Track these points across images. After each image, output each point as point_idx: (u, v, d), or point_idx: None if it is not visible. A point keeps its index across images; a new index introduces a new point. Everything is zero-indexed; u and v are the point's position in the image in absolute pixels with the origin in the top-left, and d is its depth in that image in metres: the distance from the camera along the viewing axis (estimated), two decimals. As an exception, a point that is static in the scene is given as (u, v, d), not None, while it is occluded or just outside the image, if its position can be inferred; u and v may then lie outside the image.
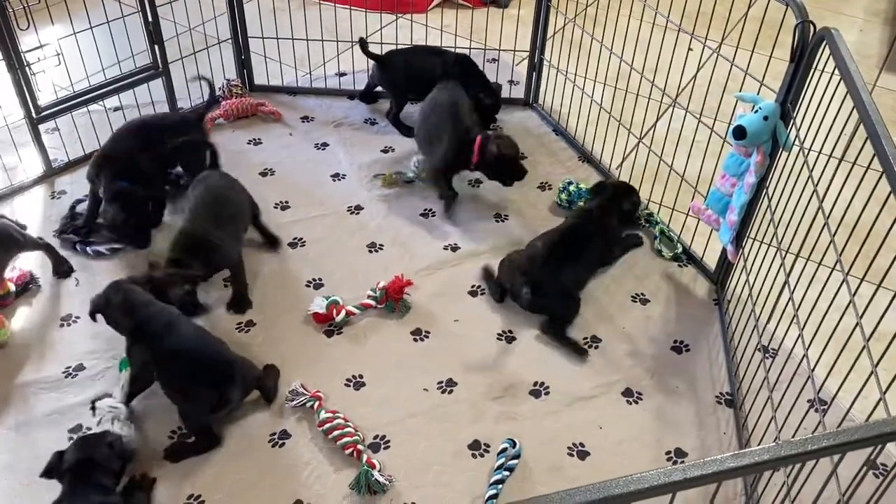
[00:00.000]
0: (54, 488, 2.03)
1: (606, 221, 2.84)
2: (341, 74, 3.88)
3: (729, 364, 2.54)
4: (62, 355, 2.53)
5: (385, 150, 3.47)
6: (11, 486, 2.18)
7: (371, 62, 3.55)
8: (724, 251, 2.71)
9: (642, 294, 2.81)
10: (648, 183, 3.10)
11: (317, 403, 2.36)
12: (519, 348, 2.61)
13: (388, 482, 2.18)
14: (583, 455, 2.30)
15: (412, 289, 2.77)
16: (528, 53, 3.61)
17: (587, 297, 2.78)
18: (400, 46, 3.56)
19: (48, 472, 2.04)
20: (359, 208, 3.16)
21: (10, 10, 2.84)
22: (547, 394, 2.46)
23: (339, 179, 3.31)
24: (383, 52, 3.53)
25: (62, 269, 2.80)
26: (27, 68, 2.96)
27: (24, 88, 2.99)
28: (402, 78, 3.48)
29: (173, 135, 2.98)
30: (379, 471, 2.19)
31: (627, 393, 2.47)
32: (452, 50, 3.50)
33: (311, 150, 3.46)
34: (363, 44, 3.46)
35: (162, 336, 2.23)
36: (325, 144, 3.49)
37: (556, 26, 3.51)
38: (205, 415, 2.24)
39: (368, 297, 2.70)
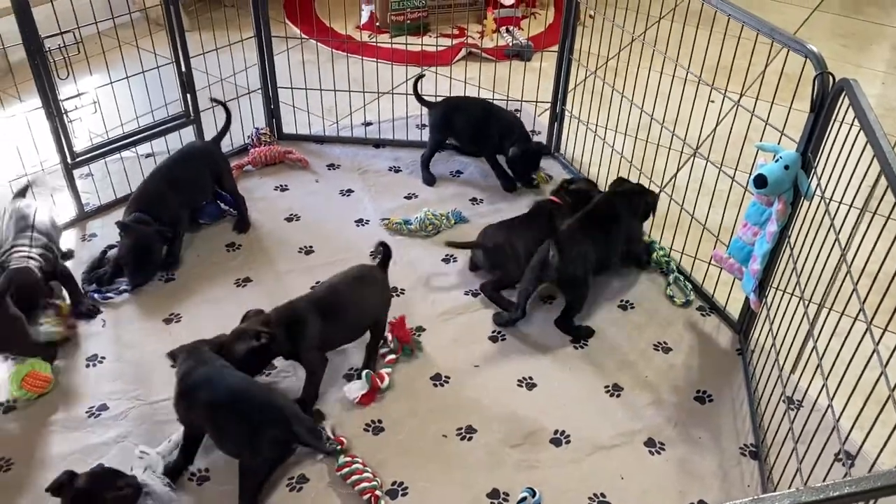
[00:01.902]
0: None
1: (630, 209, 2.97)
2: (367, 124, 3.97)
3: (753, 415, 2.50)
4: (86, 395, 2.56)
5: (408, 197, 3.52)
6: (31, 525, 2.20)
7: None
8: (746, 300, 2.70)
9: (665, 343, 2.79)
10: (670, 231, 3.10)
11: (338, 447, 2.36)
12: (540, 395, 2.59)
13: None
14: (603, 505, 2.27)
15: (432, 333, 2.79)
16: (549, 104, 3.67)
17: (608, 345, 2.77)
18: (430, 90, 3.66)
19: (56, 489, 2.05)
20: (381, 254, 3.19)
21: (52, 61, 2.96)
22: (568, 442, 2.44)
23: (363, 225, 3.36)
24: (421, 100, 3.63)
25: (81, 309, 2.82)
26: (65, 116, 3.07)
27: (61, 135, 3.09)
28: (447, 122, 3.57)
29: (198, 163, 3.15)
30: None
31: (650, 443, 2.44)
32: (505, 109, 3.60)
33: (336, 197, 3.52)
34: (416, 85, 3.59)
35: (201, 389, 2.23)
36: (349, 191, 3.56)
37: (577, 78, 3.57)
38: (262, 467, 2.22)
39: (387, 353, 2.69)
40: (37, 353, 2.58)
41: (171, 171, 3.13)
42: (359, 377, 2.55)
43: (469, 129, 3.57)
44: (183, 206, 3.13)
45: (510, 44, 4.62)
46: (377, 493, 2.22)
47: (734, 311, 2.83)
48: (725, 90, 2.71)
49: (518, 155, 3.43)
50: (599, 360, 2.72)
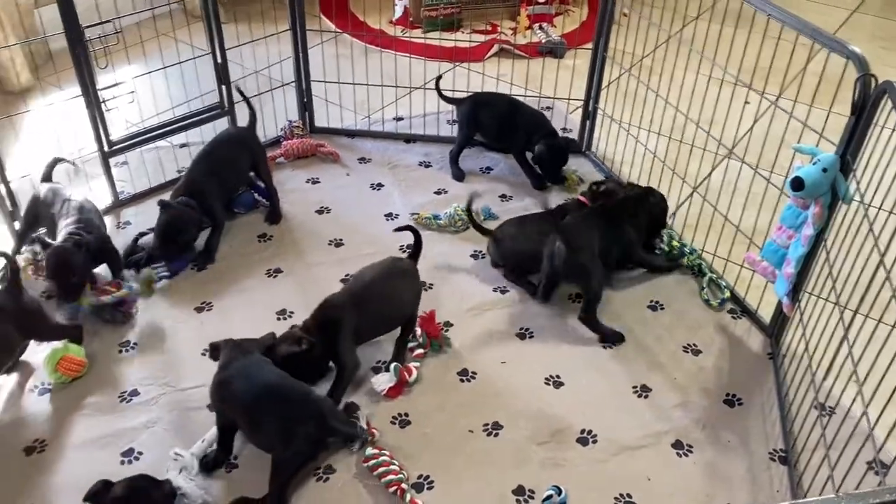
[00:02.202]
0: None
1: (641, 210, 3.00)
2: (398, 119, 3.98)
3: (783, 420, 2.47)
4: (118, 380, 2.60)
5: (438, 192, 3.52)
6: (64, 505, 2.24)
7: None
8: (779, 304, 2.66)
9: (694, 345, 2.76)
10: (702, 233, 3.07)
11: (368, 438, 2.37)
12: (567, 394, 2.59)
13: None
14: (630, 506, 2.25)
15: (460, 328, 2.79)
16: (582, 102, 3.65)
17: (637, 346, 2.76)
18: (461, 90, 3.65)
19: (92, 497, 2.06)
20: (410, 248, 3.20)
21: (92, 50, 3.00)
22: (595, 442, 2.43)
23: (393, 219, 3.37)
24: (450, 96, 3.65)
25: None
26: (103, 104, 3.12)
27: (99, 123, 3.14)
28: (474, 117, 3.57)
29: (230, 148, 3.18)
30: None
31: (677, 445, 2.42)
32: (531, 106, 3.60)
33: (366, 191, 3.54)
34: (437, 84, 3.60)
35: (238, 380, 2.24)
36: (380, 185, 3.57)
37: (611, 76, 3.55)
38: (296, 461, 2.22)
39: (415, 347, 2.69)
40: (61, 336, 2.62)
41: (212, 156, 3.17)
42: (387, 370, 2.56)
43: (495, 124, 3.57)
44: (223, 191, 3.17)
45: (543, 41, 4.60)
46: (403, 486, 2.23)
47: (766, 314, 2.80)
48: (763, 91, 2.68)
49: (544, 151, 3.42)
50: (628, 360, 2.71)
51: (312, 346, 2.42)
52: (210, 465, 2.31)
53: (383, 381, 2.53)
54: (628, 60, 3.53)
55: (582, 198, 3.20)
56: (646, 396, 2.58)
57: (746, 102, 2.85)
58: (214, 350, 2.38)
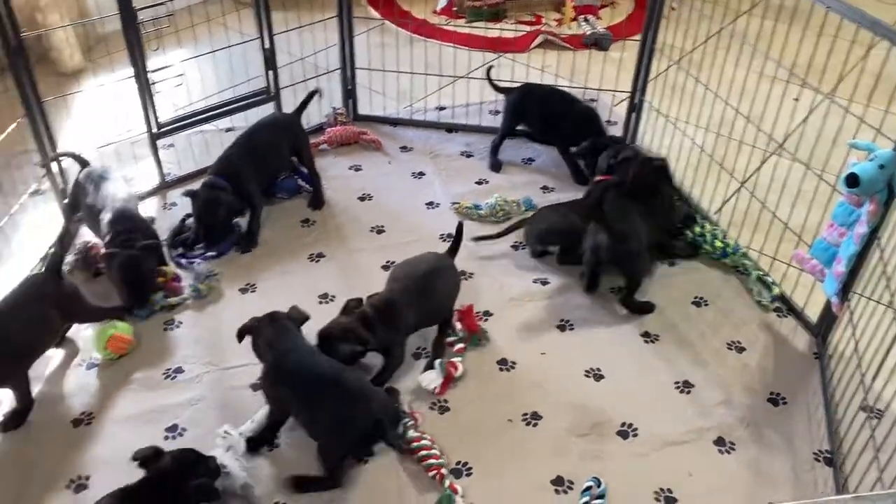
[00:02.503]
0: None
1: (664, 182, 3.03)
2: (441, 108, 3.97)
3: (829, 420, 2.43)
4: (164, 358, 2.65)
5: (479, 182, 3.52)
6: (109, 477, 2.27)
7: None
8: (827, 303, 2.61)
9: (738, 342, 2.72)
10: (749, 230, 3.02)
11: (411, 423, 2.38)
12: (607, 387, 2.57)
13: None
14: (670, 501, 2.23)
15: (500, 318, 2.79)
16: (627, 94, 3.62)
17: (680, 341, 2.73)
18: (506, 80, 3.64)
19: (141, 460, 2.09)
20: (451, 236, 3.18)
21: (144, 33, 3.04)
22: (635, 435, 2.41)
23: (433, 208, 3.37)
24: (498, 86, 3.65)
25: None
26: (152, 87, 3.16)
27: (149, 105, 3.18)
28: (520, 108, 3.56)
29: (273, 133, 3.21)
30: (461, 496, 2.18)
31: (720, 442, 2.39)
32: (582, 101, 3.58)
33: (408, 179, 3.54)
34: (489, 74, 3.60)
35: (296, 372, 2.25)
36: (421, 174, 3.57)
37: (658, 69, 3.50)
38: (344, 452, 2.24)
39: (455, 342, 2.67)
40: (102, 318, 2.67)
41: (252, 139, 3.20)
42: (431, 367, 2.55)
43: (541, 117, 3.55)
44: (261, 175, 3.19)
45: (588, 32, 4.56)
46: (443, 471, 2.24)
47: (813, 314, 2.75)
48: (818, 87, 2.62)
49: (588, 148, 3.38)
50: (670, 355, 2.68)
51: (368, 347, 2.45)
52: (256, 444, 2.33)
53: (431, 379, 2.52)
54: (675, 54, 3.47)
55: (602, 177, 3.18)
56: (688, 392, 2.55)
57: (795, 99, 2.79)
58: (246, 332, 2.36)
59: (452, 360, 2.57)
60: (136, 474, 2.13)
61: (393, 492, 2.24)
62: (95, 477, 2.27)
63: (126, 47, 3.02)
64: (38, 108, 2.89)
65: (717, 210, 3.23)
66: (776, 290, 2.85)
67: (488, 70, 3.60)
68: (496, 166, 3.59)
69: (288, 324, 2.35)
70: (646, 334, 2.76)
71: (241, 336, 2.37)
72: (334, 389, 2.22)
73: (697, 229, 3.06)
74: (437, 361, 2.55)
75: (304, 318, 2.42)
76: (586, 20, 4.72)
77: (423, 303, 2.57)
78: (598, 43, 4.44)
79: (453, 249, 2.79)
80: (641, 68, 3.47)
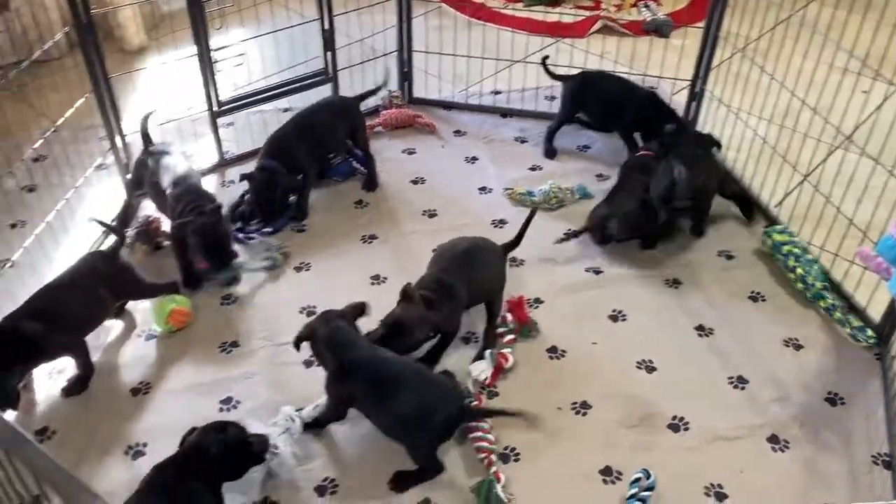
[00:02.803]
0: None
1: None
2: (496, 93, 3.95)
3: (889, 423, 2.36)
4: (220, 332, 2.70)
5: (533, 169, 3.50)
6: (165, 445, 2.33)
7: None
8: (891, 303, 2.54)
9: (796, 339, 2.66)
10: (811, 224, 2.94)
11: (474, 403, 2.39)
12: (659, 379, 2.54)
13: (507, 500, 2.15)
14: (720, 497, 2.20)
15: (550, 306, 2.77)
16: (688, 83, 3.54)
17: (735, 336, 2.68)
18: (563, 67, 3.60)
19: (181, 442, 2.11)
20: (503, 222, 3.20)
21: (208, 11, 3.09)
22: (686, 429, 2.38)
23: (486, 193, 3.36)
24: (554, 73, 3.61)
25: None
26: (214, 65, 3.21)
27: (210, 84, 3.24)
28: (579, 96, 3.52)
29: (332, 115, 3.23)
30: (503, 486, 2.18)
31: (773, 439, 2.35)
32: (641, 87, 3.53)
33: (461, 163, 3.54)
34: (545, 62, 3.57)
35: (370, 372, 2.20)
36: (475, 158, 3.56)
37: (721, 57, 3.42)
38: (435, 444, 2.22)
39: (505, 332, 2.65)
40: (156, 294, 2.72)
41: (307, 119, 3.24)
42: (481, 357, 2.54)
43: (602, 105, 3.50)
44: (313, 155, 3.22)
45: (648, 19, 4.48)
46: (493, 457, 2.24)
47: (876, 313, 2.67)
48: (891, 80, 2.53)
49: (673, 133, 3.27)
50: (725, 350, 2.63)
51: (436, 328, 2.44)
52: (314, 425, 2.35)
53: (482, 369, 2.50)
54: (740, 42, 3.38)
55: (646, 151, 3.14)
56: (742, 388, 2.51)
57: (865, 92, 2.69)
58: (303, 339, 2.29)
59: (503, 350, 2.56)
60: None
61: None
62: (152, 445, 2.33)
63: (190, 25, 3.07)
64: (104, 84, 2.96)
65: (777, 203, 3.16)
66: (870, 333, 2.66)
67: (544, 58, 3.57)
68: (551, 153, 3.57)
69: (342, 323, 2.27)
70: (700, 328, 2.72)
71: (297, 344, 2.29)
72: (412, 382, 2.19)
73: (799, 270, 2.82)
74: (488, 352, 2.54)
75: (360, 311, 2.35)
76: (647, 6, 4.63)
77: (469, 276, 2.56)
78: (658, 29, 4.35)
79: (512, 245, 2.75)
80: (704, 56, 3.39)
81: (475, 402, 2.39)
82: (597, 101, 3.50)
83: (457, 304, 2.52)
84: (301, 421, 2.32)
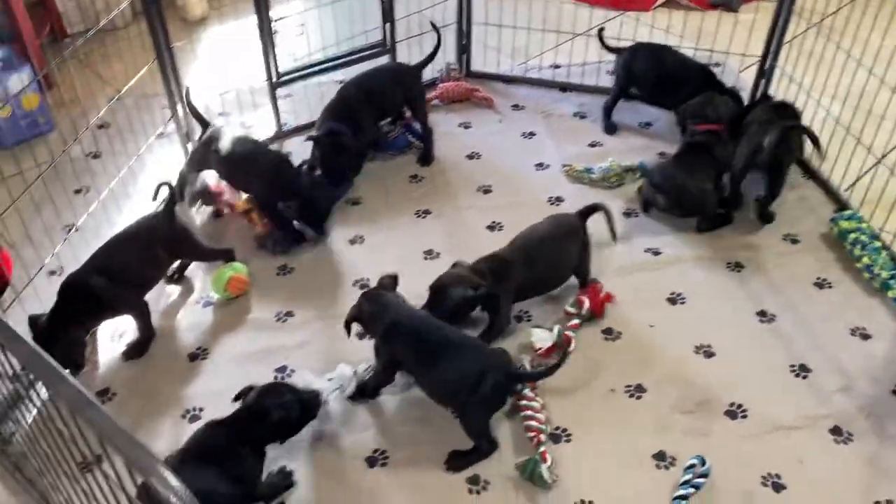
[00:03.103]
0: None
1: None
2: (556, 67, 3.87)
3: (961, 420, 2.26)
4: (276, 301, 2.73)
5: (592, 145, 3.42)
6: (221, 409, 2.37)
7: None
8: (969, 295, 2.42)
9: (863, 329, 2.56)
10: (884, 210, 2.82)
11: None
12: (718, 365, 2.48)
13: (552, 480, 2.13)
14: (778, 487, 2.14)
15: (606, 286, 2.72)
16: (757, 59, 3.40)
17: (799, 323, 2.60)
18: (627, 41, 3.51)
19: (237, 397, 2.17)
20: (559, 200, 3.15)
21: (270, -19, 3.08)
22: (744, 416, 2.32)
23: (543, 169, 3.31)
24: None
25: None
26: (274, 36, 3.21)
27: (270, 54, 3.24)
28: (629, 69, 3.43)
29: (391, 80, 3.23)
30: (548, 467, 2.15)
31: (836, 431, 2.27)
32: (694, 59, 3.42)
33: (518, 138, 3.49)
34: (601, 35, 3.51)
35: (424, 340, 2.22)
36: (532, 133, 3.51)
37: (794, 32, 3.28)
38: (488, 413, 2.20)
39: (574, 315, 2.57)
40: (212, 258, 2.78)
41: (368, 83, 3.23)
42: (549, 328, 2.51)
43: (652, 78, 3.39)
44: (372, 116, 3.22)
45: (716, -7, 4.31)
46: (542, 436, 2.22)
47: (951, 304, 2.55)
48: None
49: (733, 107, 3.17)
50: (787, 337, 2.55)
51: (485, 294, 2.40)
52: (364, 393, 2.37)
53: (543, 339, 2.47)
54: (815, 17, 3.23)
55: (713, 125, 3.05)
56: (804, 377, 2.43)
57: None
58: (352, 321, 2.34)
59: (568, 333, 2.51)
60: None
61: (490, 449, 2.25)
62: (209, 409, 2.38)
63: (252, -5, 3.08)
64: (167, 53, 2.99)
65: (848, 187, 3.03)
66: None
67: (600, 30, 3.48)
68: (611, 129, 3.48)
69: (383, 293, 2.33)
70: (762, 313, 2.64)
71: (348, 327, 2.35)
72: (458, 346, 2.19)
73: (865, 260, 2.72)
74: (557, 327, 2.50)
75: (393, 278, 2.39)
76: (715, -21, 4.46)
77: (534, 268, 2.51)
78: (726, 3, 4.19)
79: (585, 214, 2.69)
80: (776, 31, 3.25)
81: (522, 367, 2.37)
82: (649, 75, 3.39)
83: (507, 288, 2.47)
84: (357, 380, 2.34)
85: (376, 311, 2.29)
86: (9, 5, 3.33)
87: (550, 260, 2.55)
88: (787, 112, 3.08)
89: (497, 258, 2.51)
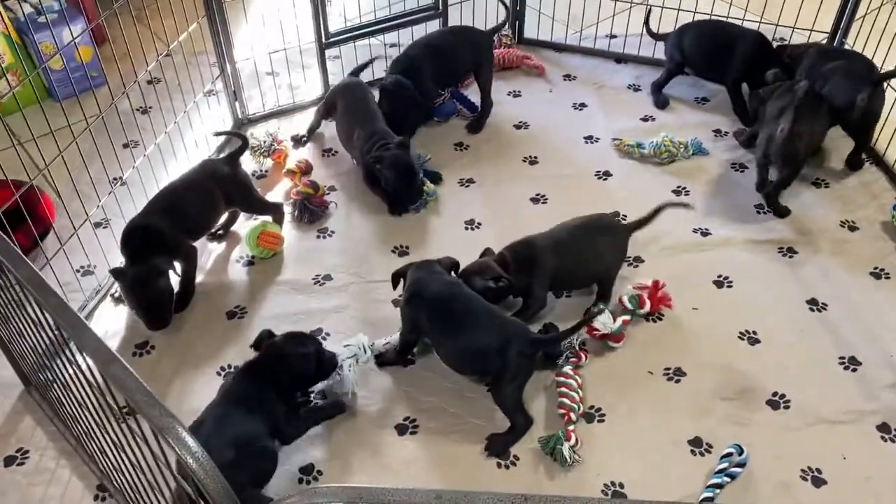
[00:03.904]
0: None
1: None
2: (612, 37, 3.75)
3: None
4: (315, 264, 2.73)
5: (645, 119, 3.32)
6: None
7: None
8: None
9: (922, 323, 2.45)
10: (953, 201, 2.67)
11: (573, 359, 2.33)
12: (762, 352, 2.39)
13: (572, 460, 2.09)
14: (818, 482, 2.07)
15: (651, 266, 2.66)
16: (826, 35, 3.24)
17: (852, 314, 2.50)
18: (687, 15, 3.38)
19: (256, 344, 2.18)
20: (607, 174, 3.06)
21: (321, -62, 3.04)
22: (787, 407, 2.24)
23: (592, 142, 3.22)
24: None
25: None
26: (325, -5, 3.17)
27: (320, 14, 3.20)
28: (679, 47, 3.32)
29: (462, 43, 3.21)
30: (571, 446, 2.10)
31: (884, 428, 2.18)
32: (748, 28, 3.27)
33: (568, 110, 3.40)
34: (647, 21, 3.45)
35: (448, 308, 2.21)
36: (583, 105, 3.41)
37: (867, 7, 3.10)
38: (518, 387, 2.17)
39: (626, 308, 2.44)
40: (264, 211, 2.79)
41: (437, 42, 3.20)
42: (613, 320, 2.39)
43: (701, 52, 3.27)
44: (436, 80, 3.19)
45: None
46: (572, 415, 2.17)
47: None
48: None
49: (780, 75, 3.00)
50: (838, 328, 2.45)
51: (508, 286, 2.36)
52: (384, 362, 2.37)
53: (604, 321, 2.36)
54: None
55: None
56: (853, 370, 2.33)
57: None
58: (399, 276, 2.37)
59: (623, 332, 2.41)
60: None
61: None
62: (243, 368, 2.40)
63: (303, -47, 3.04)
64: (217, 10, 2.98)
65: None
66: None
67: (647, 14, 3.39)
68: (661, 103, 3.38)
69: (434, 262, 2.35)
70: (813, 301, 2.54)
71: (395, 280, 2.37)
72: (482, 315, 2.18)
73: None
74: (621, 319, 2.39)
75: (453, 263, 2.39)
76: (786, -51, 4.24)
77: (567, 256, 2.42)
78: (796, -25, 3.98)
79: (636, 226, 2.56)
80: (848, 5, 3.08)
81: (574, 359, 2.32)
82: (696, 49, 3.27)
83: (532, 274, 2.40)
84: (371, 352, 2.33)
85: (415, 275, 2.30)
86: (65, -43, 3.35)
87: (580, 253, 2.45)
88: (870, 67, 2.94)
89: (525, 244, 2.44)
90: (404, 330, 2.34)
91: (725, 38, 3.23)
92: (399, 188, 2.83)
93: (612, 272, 2.54)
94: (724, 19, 3.37)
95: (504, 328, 2.16)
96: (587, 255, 2.47)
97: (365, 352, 2.30)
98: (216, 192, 2.63)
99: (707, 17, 3.42)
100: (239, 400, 2.02)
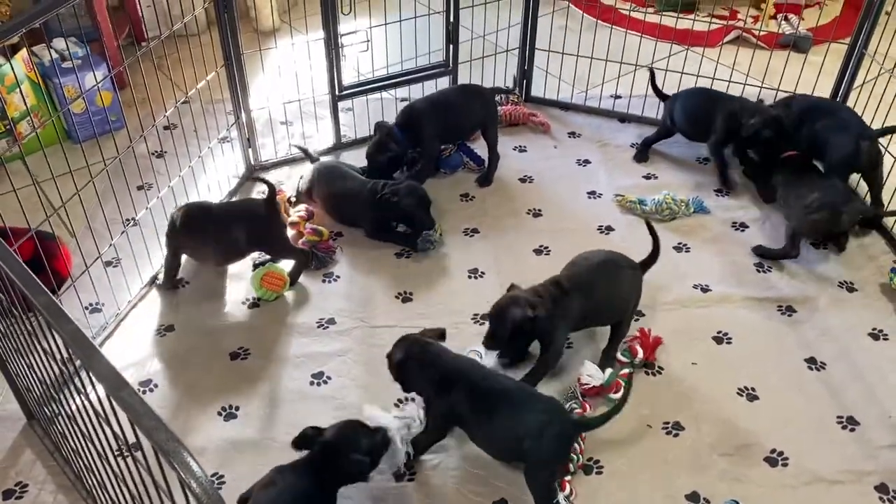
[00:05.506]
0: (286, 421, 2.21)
1: None
2: (616, 97, 3.85)
3: None
4: (319, 307, 2.76)
5: (647, 177, 3.39)
6: (256, 409, 2.42)
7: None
8: None
9: (919, 385, 2.46)
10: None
11: (578, 410, 2.35)
12: (760, 409, 2.41)
13: None
14: (816, 542, 2.06)
15: (651, 320, 2.68)
16: (825, 102, 3.32)
17: (851, 374, 2.51)
18: (690, 79, 3.48)
19: (301, 442, 2.02)
20: (609, 229, 3.12)
21: (339, -2, 3.17)
22: (784, 465, 2.24)
23: (595, 198, 3.29)
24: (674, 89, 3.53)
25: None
26: (340, 50, 3.29)
27: (335, 67, 3.32)
28: (670, 112, 3.45)
29: (469, 99, 3.30)
30: (566, 496, 2.10)
31: (882, 489, 2.17)
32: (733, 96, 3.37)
33: (572, 165, 3.48)
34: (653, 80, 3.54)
35: (484, 389, 2.08)
36: (587, 161, 3.49)
37: (865, 77, 3.19)
38: (554, 469, 2.07)
39: (626, 364, 2.48)
40: (291, 255, 2.84)
41: (443, 98, 3.30)
42: (602, 369, 2.44)
43: (686, 116, 3.38)
44: (440, 134, 3.27)
45: (787, 32, 4.24)
46: (570, 465, 2.18)
47: None
48: None
49: (759, 126, 3.10)
50: (837, 387, 2.47)
51: (546, 316, 2.30)
52: (421, 449, 2.24)
53: (593, 376, 2.39)
54: (887, 63, 3.14)
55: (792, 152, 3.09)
56: (852, 430, 2.34)
57: None
58: (394, 361, 2.21)
59: (619, 380, 2.42)
60: (282, 414, 2.26)
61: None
62: (244, 408, 2.41)
63: (321, 9, 3.16)
64: (236, 60, 3.08)
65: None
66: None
67: (651, 74, 3.51)
68: (641, 158, 3.48)
69: (430, 341, 2.20)
70: (811, 360, 2.56)
71: (391, 365, 2.23)
72: (518, 396, 2.06)
73: None
74: (610, 372, 2.42)
75: (440, 336, 2.26)
76: (787, 18, 4.39)
77: (591, 295, 2.40)
78: (794, 44, 4.11)
79: (646, 263, 2.58)
80: (846, 75, 3.18)
81: (579, 411, 2.34)
82: (683, 114, 3.39)
83: (563, 315, 2.37)
84: (419, 419, 2.25)
85: (429, 358, 2.15)
86: (93, 8, 3.49)
87: (607, 289, 2.43)
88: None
89: (557, 285, 2.41)
90: (435, 424, 2.18)
91: (709, 102, 3.33)
92: (418, 214, 2.93)
93: (631, 309, 2.54)
94: (709, 88, 3.49)
95: (544, 408, 2.05)
96: (612, 295, 2.46)
97: (417, 422, 2.24)
98: (235, 232, 2.72)
99: (709, 80, 3.52)
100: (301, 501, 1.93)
